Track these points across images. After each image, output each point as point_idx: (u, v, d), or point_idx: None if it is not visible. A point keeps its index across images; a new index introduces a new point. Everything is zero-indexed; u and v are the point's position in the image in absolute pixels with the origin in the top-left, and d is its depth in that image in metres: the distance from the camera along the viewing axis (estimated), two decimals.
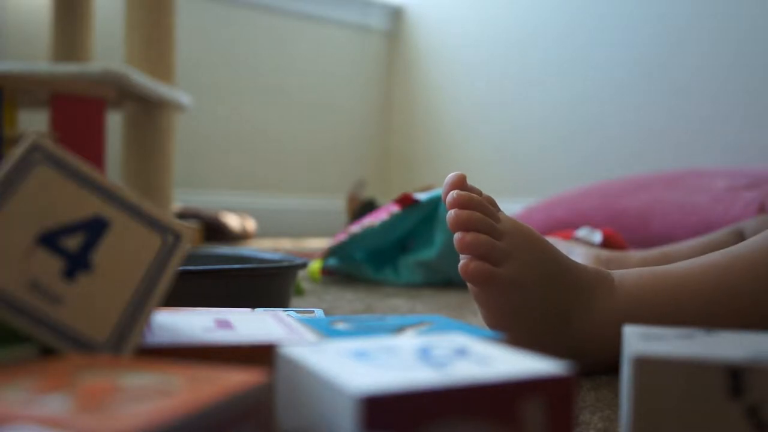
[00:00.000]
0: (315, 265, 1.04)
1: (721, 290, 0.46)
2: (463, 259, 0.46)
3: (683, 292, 0.47)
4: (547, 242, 0.48)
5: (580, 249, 0.87)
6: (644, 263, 0.79)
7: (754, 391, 0.27)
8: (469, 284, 0.46)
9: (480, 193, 0.49)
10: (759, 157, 1.64)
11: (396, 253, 1.09)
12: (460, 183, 0.48)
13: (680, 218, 1.20)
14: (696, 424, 0.27)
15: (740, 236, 0.75)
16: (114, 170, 1.85)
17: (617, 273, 0.49)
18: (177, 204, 2.00)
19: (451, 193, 0.47)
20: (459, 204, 0.46)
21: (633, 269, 0.50)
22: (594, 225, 1.35)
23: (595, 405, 0.42)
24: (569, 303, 0.47)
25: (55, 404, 0.20)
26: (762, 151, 1.64)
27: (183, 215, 1.85)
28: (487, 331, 0.37)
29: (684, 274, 0.48)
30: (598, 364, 0.48)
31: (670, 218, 1.21)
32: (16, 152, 0.30)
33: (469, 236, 0.45)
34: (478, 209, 0.46)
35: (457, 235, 0.46)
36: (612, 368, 0.48)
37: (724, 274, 0.46)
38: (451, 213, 0.46)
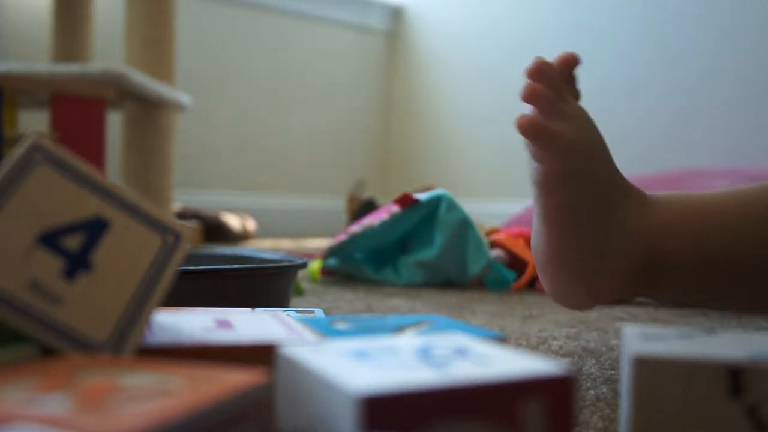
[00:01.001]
0: (315, 265, 1.04)
1: (749, 215, 0.46)
2: (524, 113, 0.45)
3: (712, 216, 0.47)
4: (602, 136, 0.48)
5: None
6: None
7: (754, 391, 0.27)
8: (525, 139, 0.45)
9: (572, 82, 0.49)
10: (760, 157, 1.64)
11: (396, 253, 1.09)
12: (565, 62, 0.48)
13: None
14: (696, 425, 0.27)
15: None
16: (114, 170, 1.85)
17: (651, 193, 0.49)
18: (177, 204, 2.00)
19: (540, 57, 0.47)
20: (541, 60, 0.46)
21: (666, 192, 0.50)
22: None
23: (594, 404, 0.42)
24: (611, 194, 0.46)
25: (56, 404, 0.20)
26: (763, 151, 1.64)
27: (183, 215, 1.85)
28: (487, 330, 0.37)
29: (714, 198, 0.48)
30: (616, 272, 0.47)
31: None
32: (16, 152, 0.30)
33: (538, 86, 0.45)
34: (555, 73, 0.46)
35: (526, 84, 0.45)
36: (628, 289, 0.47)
37: (755, 200, 0.46)
38: (530, 65, 0.46)
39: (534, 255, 0.49)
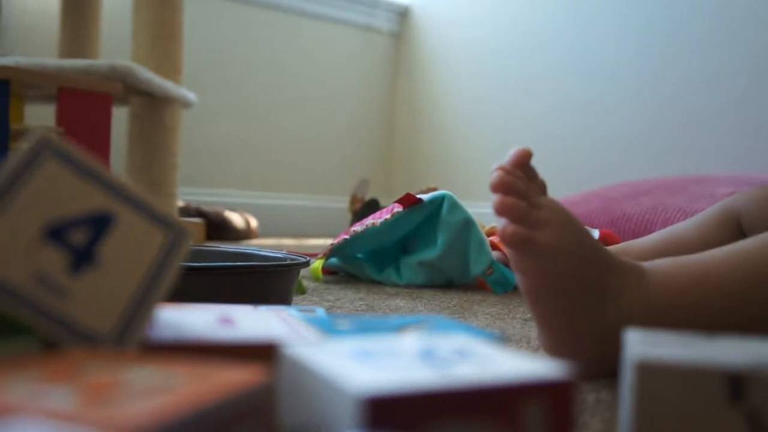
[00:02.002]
0: (317, 264, 1.04)
1: (749, 279, 0.46)
2: (500, 223, 0.46)
3: (711, 281, 0.47)
4: (582, 224, 0.49)
5: None
6: (644, 252, 0.80)
7: (755, 396, 0.27)
8: (507, 250, 0.46)
9: (534, 175, 0.49)
10: (761, 163, 1.63)
11: (398, 253, 1.09)
12: (520, 160, 0.48)
13: None
14: (696, 430, 0.28)
15: (732, 212, 0.74)
16: (119, 166, 1.85)
17: (647, 263, 0.50)
18: (180, 201, 2.01)
19: (499, 164, 0.48)
20: (503, 170, 0.47)
21: (660, 260, 0.50)
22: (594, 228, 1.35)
23: (595, 407, 0.42)
24: (603, 283, 0.47)
25: (60, 398, 0.20)
26: (764, 158, 1.64)
27: (186, 212, 1.85)
28: (488, 332, 0.37)
29: (712, 262, 0.48)
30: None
31: (672, 224, 1.21)
32: (23, 147, 0.30)
33: (508, 200, 0.45)
34: (519, 179, 0.47)
35: (495, 198, 0.46)
36: None
37: (752, 262, 0.47)
38: (493, 175, 0.46)
39: (538, 339, 0.50)
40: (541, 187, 0.49)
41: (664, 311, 0.47)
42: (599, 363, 0.48)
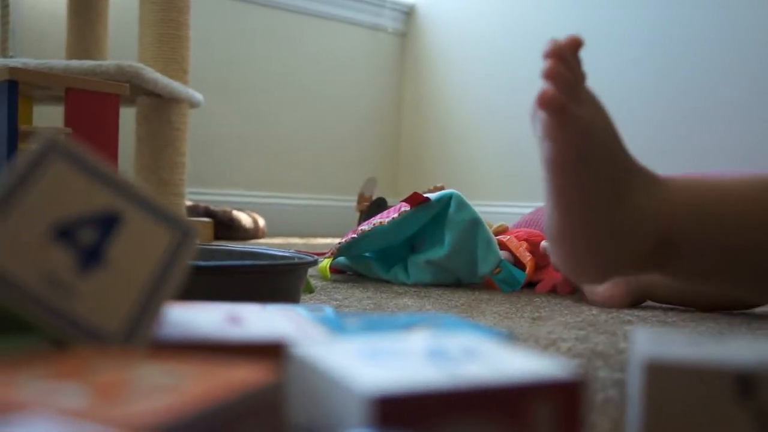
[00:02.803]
0: (325, 263, 1.04)
1: (760, 197, 0.47)
2: (543, 86, 0.46)
3: (728, 196, 0.48)
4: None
5: None
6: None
7: (764, 396, 0.27)
8: (542, 114, 0.46)
9: (579, 65, 0.49)
10: (767, 162, 1.62)
11: (405, 252, 1.09)
12: (572, 45, 0.48)
13: None
14: (705, 429, 0.27)
15: None
16: (126, 166, 1.86)
17: (664, 175, 0.50)
18: (188, 200, 2.01)
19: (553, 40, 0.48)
20: (558, 45, 0.47)
21: (679, 175, 0.51)
22: None
23: (603, 407, 0.42)
24: (624, 179, 0.47)
25: (69, 395, 0.21)
26: None
27: (194, 211, 1.86)
28: (496, 330, 0.37)
29: (728, 181, 0.49)
30: (633, 252, 0.48)
31: None
32: (32, 147, 0.30)
33: (558, 66, 0.45)
34: (568, 64, 0.47)
35: (547, 63, 0.46)
36: (648, 259, 0.48)
37: (764, 181, 0.48)
38: (549, 43, 0.47)
39: (546, 233, 0.50)
40: (583, 77, 0.49)
41: (673, 218, 0.47)
42: (600, 258, 0.47)
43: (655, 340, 0.31)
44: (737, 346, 0.31)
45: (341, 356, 0.26)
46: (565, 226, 0.47)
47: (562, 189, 0.46)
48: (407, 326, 0.37)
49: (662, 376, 0.28)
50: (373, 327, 0.36)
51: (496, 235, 1.17)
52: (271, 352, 0.32)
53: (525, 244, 1.03)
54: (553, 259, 0.49)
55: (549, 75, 0.45)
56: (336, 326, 0.36)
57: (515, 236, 1.06)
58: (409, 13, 2.72)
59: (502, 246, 1.05)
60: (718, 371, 0.27)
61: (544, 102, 0.44)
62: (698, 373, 0.27)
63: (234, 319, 0.36)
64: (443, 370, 0.25)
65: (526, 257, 1.01)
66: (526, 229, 1.11)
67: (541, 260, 1.03)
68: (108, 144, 0.92)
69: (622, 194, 0.47)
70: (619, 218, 0.46)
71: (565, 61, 0.46)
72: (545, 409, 0.24)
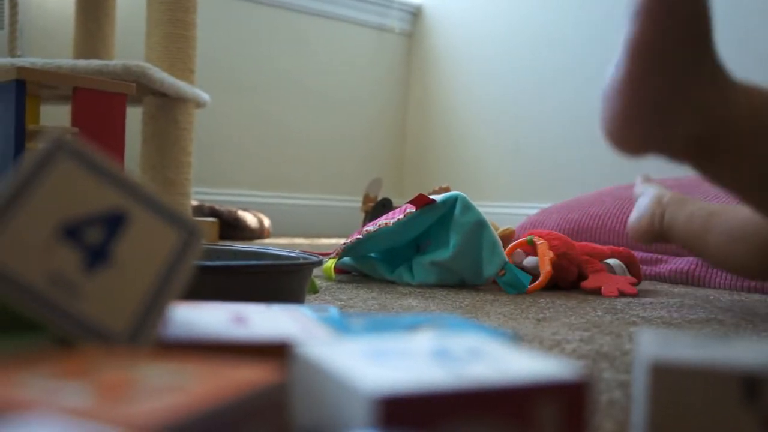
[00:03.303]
0: (329, 263, 1.04)
1: None
2: None
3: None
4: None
5: (651, 189, 0.99)
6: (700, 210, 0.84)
7: None
8: None
9: None
10: None
11: (410, 254, 1.09)
12: None
13: None
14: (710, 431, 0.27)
15: None
16: (133, 165, 1.87)
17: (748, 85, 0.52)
18: (194, 200, 2.02)
19: None
20: None
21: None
22: (608, 229, 1.34)
23: (607, 408, 0.41)
24: (706, 58, 0.48)
25: (75, 395, 0.21)
26: None
27: (200, 211, 1.86)
28: (501, 331, 0.37)
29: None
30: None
31: None
32: (39, 147, 0.30)
33: None
34: None
35: None
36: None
37: None
38: None
39: (608, 89, 0.49)
40: None
41: (727, 108, 0.47)
42: (652, 122, 0.47)
43: (661, 341, 0.31)
44: (743, 348, 0.30)
45: (346, 356, 0.26)
46: (631, 75, 0.47)
47: (642, 38, 0.47)
48: (412, 327, 0.37)
49: (667, 377, 0.28)
50: (377, 327, 0.36)
51: (506, 238, 1.17)
52: (276, 352, 0.32)
53: (552, 254, 1.02)
54: (604, 114, 0.49)
55: None
56: (341, 326, 0.36)
57: (550, 244, 1.04)
58: (415, 14, 2.71)
59: (530, 249, 1.05)
60: (724, 373, 0.27)
61: None
62: (704, 375, 0.27)
63: (239, 319, 0.36)
64: (448, 371, 0.25)
65: (545, 269, 1.00)
66: (565, 238, 1.08)
67: (592, 266, 1.03)
68: (115, 143, 0.93)
69: (694, 72, 0.47)
70: (681, 91, 0.47)
71: None
72: (550, 410, 0.24)
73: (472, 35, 2.47)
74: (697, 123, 0.47)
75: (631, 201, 1.34)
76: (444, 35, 2.60)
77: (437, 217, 1.03)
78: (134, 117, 1.72)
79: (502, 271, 0.99)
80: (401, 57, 2.73)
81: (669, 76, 0.46)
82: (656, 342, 0.31)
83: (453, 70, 2.55)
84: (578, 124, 2.07)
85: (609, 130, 0.48)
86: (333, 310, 0.44)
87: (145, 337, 0.29)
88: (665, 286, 1.15)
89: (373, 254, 1.09)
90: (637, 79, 0.47)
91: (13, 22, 1.52)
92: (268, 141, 2.41)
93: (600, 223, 1.35)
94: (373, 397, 0.22)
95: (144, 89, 1.35)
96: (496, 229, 1.17)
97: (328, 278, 1.04)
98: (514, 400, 0.24)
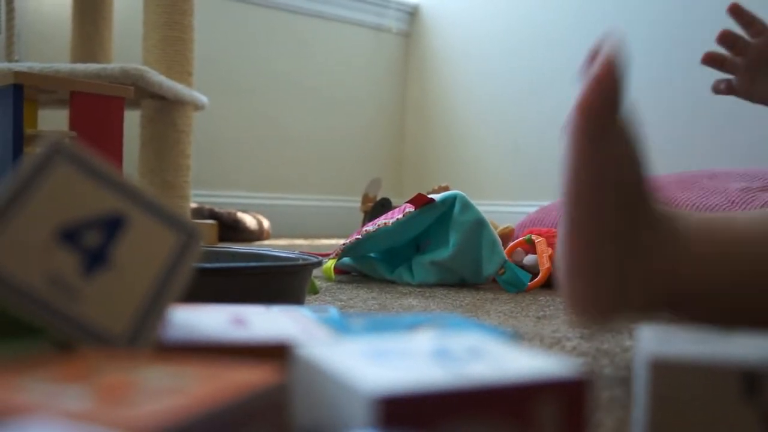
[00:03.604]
0: (329, 264, 1.04)
1: None
2: (585, 88, 0.44)
3: (733, 236, 0.46)
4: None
5: None
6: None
7: None
8: (574, 120, 0.44)
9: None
10: None
11: (410, 253, 1.09)
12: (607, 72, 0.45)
13: None
14: (710, 427, 0.27)
15: None
16: (131, 168, 1.86)
17: (694, 214, 0.48)
18: (193, 203, 2.02)
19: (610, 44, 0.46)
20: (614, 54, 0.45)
21: (705, 215, 0.49)
22: None
23: (608, 405, 0.41)
24: (647, 221, 0.45)
25: (74, 398, 0.21)
26: None
27: (199, 213, 1.86)
28: (501, 330, 0.37)
29: (736, 219, 0.48)
30: (643, 296, 0.46)
31: None
32: (37, 151, 0.30)
33: (612, 71, 0.44)
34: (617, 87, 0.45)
35: (600, 66, 0.44)
36: (664, 305, 0.46)
37: None
38: (599, 61, 0.45)
39: (556, 266, 0.48)
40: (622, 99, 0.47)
41: (684, 267, 0.45)
42: (608, 297, 0.45)
43: (661, 338, 0.31)
44: (742, 344, 0.30)
45: (346, 357, 0.26)
46: (575, 260, 0.45)
47: (577, 221, 0.45)
48: (412, 326, 0.37)
49: (668, 374, 0.28)
50: (377, 327, 0.36)
51: (506, 236, 1.17)
52: (276, 353, 0.32)
53: (551, 251, 1.02)
54: (561, 292, 0.48)
55: (601, 76, 0.43)
56: (341, 327, 0.36)
57: (549, 241, 1.04)
58: (413, 14, 2.71)
59: (530, 248, 1.05)
60: (724, 369, 0.27)
61: (584, 106, 0.43)
62: (704, 371, 0.27)
63: (239, 321, 0.36)
64: (448, 370, 0.25)
65: (544, 266, 1.00)
66: (529, 229, 1.10)
67: None
68: (113, 147, 0.93)
69: (638, 236, 0.45)
70: (630, 261, 0.45)
71: (616, 67, 0.44)
72: (550, 408, 0.24)
73: (470, 34, 2.47)
74: (655, 285, 0.45)
75: None
76: (441, 35, 2.60)
77: (436, 217, 1.03)
78: (132, 120, 1.72)
79: (502, 270, 0.99)
80: (399, 57, 2.73)
81: (609, 250, 0.44)
82: (656, 338, 0.31)
83: (451, 69, 2.55)
84: None
85: (572, 309, 0.47)
86: (333, 311, 0.44)
87: (144, 339, 0.29)
88: None
89: (372, 254, 1.09)
90: (579, 263, 0.45)
91: (10, 26, 1.51)
92: (266, 142, 2.41)
93: None
94: (372, 397, 0.22)
95: (142, 92, 1.35)
96: (496, 228, 1.17)
97: (328, 279, 1.04)
98: (514, 398, 0.24)
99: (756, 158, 1.65)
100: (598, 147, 0.44)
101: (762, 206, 1.13)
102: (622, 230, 0.45)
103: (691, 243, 0.46)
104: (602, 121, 0.44)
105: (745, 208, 1.15)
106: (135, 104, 1.52)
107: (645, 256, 0.45)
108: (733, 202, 1.18)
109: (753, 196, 1.17)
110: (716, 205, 1.19)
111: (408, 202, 1.02)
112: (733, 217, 0.49)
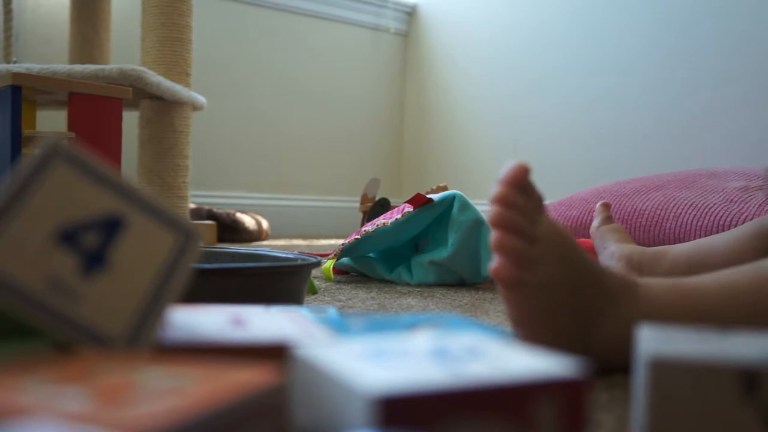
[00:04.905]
0: (328, 264, 1.04)
1: (743, 314, 0.47)
2: (495, 260, 0.46)
3: (705, 311, 0.47)
4: (580, 249, 0.48)
5: (613, 247, 0.89)
6: (676, 264, 0.79)
7: None
8: (497, 284, 0.47)
9: (532, 191, 0.48)
10: None
11: (409, 253, 1.09)
12: (516, 178, 0.47)
13: (694, 219, 1.19)
14: (710, 426, 0.27)
15: (765, 228, 0.75)
16: (130, 169, 1.87)
17: (644, 281, 0.50)
18: (191, 203, 2.02)
19: (496, 187, 0.47)
20: (501, 201, 0.46)
21: (659, 280, 0.50)
22: None
23: (608, 405, 0.41)
24: (595, 308, 0.48)
25: (74, 399, 0.21)
26: None
27: (198, 214, 1.86)
28: (500, 329, 0.37)
29: (708, 291, 0.48)
30: (618, 367, 0.48)
31: (684, 219, 1.21)
32: (35, 151, 0.30)
33: (505, 238, 0.45)
34: (518, 210, 0.46)
35: (493, 234, 0.46)
36: (630, 370, 0.48)
37: (745, 297, 0.47)
38: (492, 208, 0.46)
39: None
40: (539, 204, 0.48)
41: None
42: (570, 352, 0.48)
43: (660, 337, 0.31)
44: (742, 343, 0.30)
45: (345, 357, 0.26)
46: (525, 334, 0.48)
47: (525, 337, 0.47)
48: (411, 326, 0.37)
49: (667, 373, 0.28)
50: (376, 327, 0.36)
51: None
52: (275, 353, 0.32)
53: None
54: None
55: (497, 249, 0.45)
56: (340, 327, 0.36)
57: None
58: (411, 14, 2.72)
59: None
60: (723, 368, 0.27)
61: (497, 277, 0.45)
62: (703, 370, 0.27)
63: (238, 322, 0.36)
64: (447, 370, 0.25)
65: None
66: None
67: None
68: (111, 147, 0.93)
69: (590, 323, 0.47)
70: (595, 341, 0.47)
71: (511, 225, 0.45)
72: (550, 407, 0.24)
73: (468, 34, 2.48)
74: (616, 353, 0.48)
75: (628, 196, 1.34)
76: (439, 35, 2.60)
77: (435, 216, 1.03)
78: (131, 121, 1.72)
79: None
80: (397, 57, 2.73)
81: (564, 344, 0.47)
82: (656, 337, 0.31)
83: (449, 69, 2.55)
84: (575, 121, 2.07)
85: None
86: (332, 311, 0.44)
87: (143, 340, 0.29)
88: None
89: (371, 254, 1.09)
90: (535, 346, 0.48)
91: (8, 27, 1.51)
92: (265, 143, 2.41)
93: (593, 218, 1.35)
94: (371, 397, 0.22)
95: (140, 93, 1.35)
96: None
97: (327, 279, 1.04)
98: (514, 398, 0.24)
99: (755, 158, 1.65)
100: (525, 280, 0.45)
101: (760, 206, 1.13)
102: (574, 328, 0.47)
103: (653, 310, 0.48)
104: (522, 234, 0.46)
105: (743, 207, 1.15)
106: (133, 105, 1.52)
107: (602, 329, 0.47)
108: (732, 200, 1.18)
109: (751, 195, 1.17)
110: (715, 203, 1.19)
111: (407, 202, 1.02)
112: (699, 283, 0.50)
